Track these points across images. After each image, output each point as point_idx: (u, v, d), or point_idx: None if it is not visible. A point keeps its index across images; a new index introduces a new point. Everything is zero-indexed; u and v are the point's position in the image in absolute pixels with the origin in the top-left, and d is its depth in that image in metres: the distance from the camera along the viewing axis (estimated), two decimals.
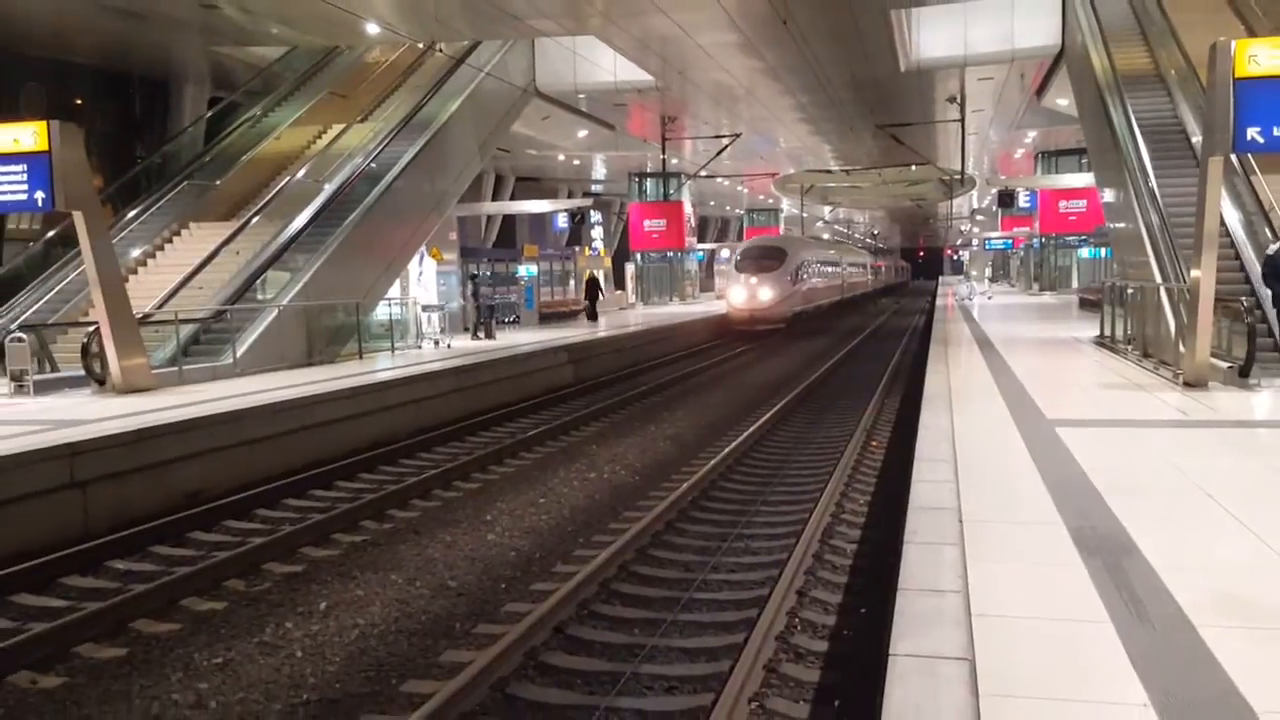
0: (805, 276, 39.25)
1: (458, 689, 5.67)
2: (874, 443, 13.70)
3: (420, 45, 25.22)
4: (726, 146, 38.61)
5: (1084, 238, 38.91)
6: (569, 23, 24.05)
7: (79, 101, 29.70)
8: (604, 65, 28.15)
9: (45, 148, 12.47)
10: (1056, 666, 4.03)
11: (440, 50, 24.90)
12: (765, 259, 37.10)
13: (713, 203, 65.55)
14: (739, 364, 25.33)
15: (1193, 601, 4.72)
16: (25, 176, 12.54)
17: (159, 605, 7.42)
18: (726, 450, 12.47)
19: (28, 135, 12.54)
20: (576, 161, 44.51)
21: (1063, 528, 6.09)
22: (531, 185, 48.36)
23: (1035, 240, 46.83)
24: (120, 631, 6.95)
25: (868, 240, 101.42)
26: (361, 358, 18.84)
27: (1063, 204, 36.13)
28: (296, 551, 8.86)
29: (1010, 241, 54.90)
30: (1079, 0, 22.98)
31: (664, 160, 40.29)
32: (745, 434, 13.60)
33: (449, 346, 21.55)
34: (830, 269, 48.29)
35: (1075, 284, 40.85)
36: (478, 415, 16.00)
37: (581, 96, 30.37)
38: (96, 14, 22.51)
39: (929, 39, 25.53)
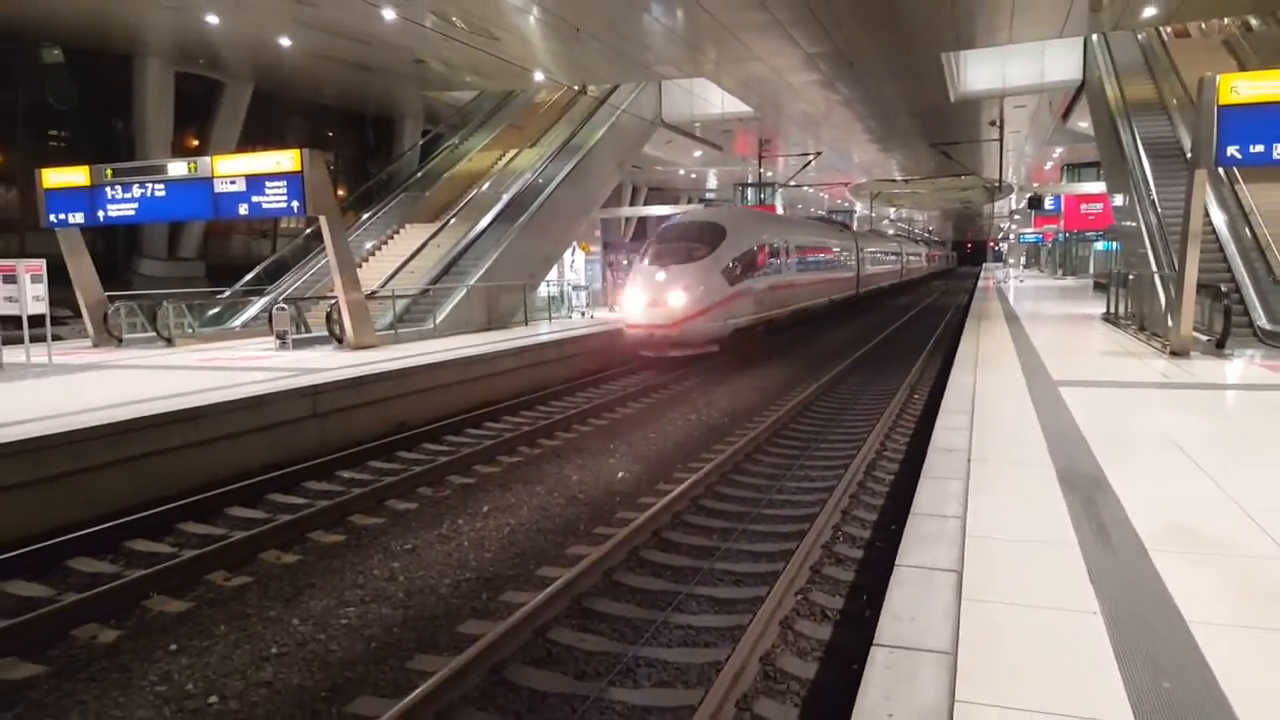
0: (759, 270, 17.69)
1: (577, 574, 5.81)
2: (916, 395, 13.26)
3: (574, 88, 25.29)
4: (810, 162, 37.63)
5: (1099, 234, 36.71)
6: (688, 68, 23.75)
7: (330, 134, 30.90)
8: (714, 100, 27.69)
9: (299, 169, 12.95)
10: (1028, 578, 3.89)
11: (588, 91, 24.96)
12: (687, 243, 16.67)
13: (799, 206, 64.08)
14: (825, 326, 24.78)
15: (1149, 531, 4.48)
16: (286, 190, 13.04)
17: (370, 505, 7.73)
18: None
19: (287, 160, 13.08)
20: (693, 175, 44.11)
21: (1051, 468, 5.83)
22: (659, 193, 48.32)
23: (1060, 235, 44.39)
24: (341, 523, 7.29)
25: (902, 226, 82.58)
26: (527, 324, 19.18)
27: (1083, 206, 33.84)
28: (471, 468, 9.06)
29: (1040, 236, 52.10)
30: (1097, 42, 21.62)
31: (760, 173, 39.51)
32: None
33: (591, 317, 21.74)
34: (824, 258, 25.05)
35: (1091, 271, 38.70)
36: (612, 368, 16.16)
37: (697, 125, 29.99)
38: (342, 69, 23.33)
39: (973, 74, 24.29)
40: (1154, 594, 3.69)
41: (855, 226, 52.43)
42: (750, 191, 47.95)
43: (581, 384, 14.49)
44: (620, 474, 8.80)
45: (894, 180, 50.54)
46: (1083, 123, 26.08)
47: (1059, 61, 23.10)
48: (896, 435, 10.32)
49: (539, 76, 23.40)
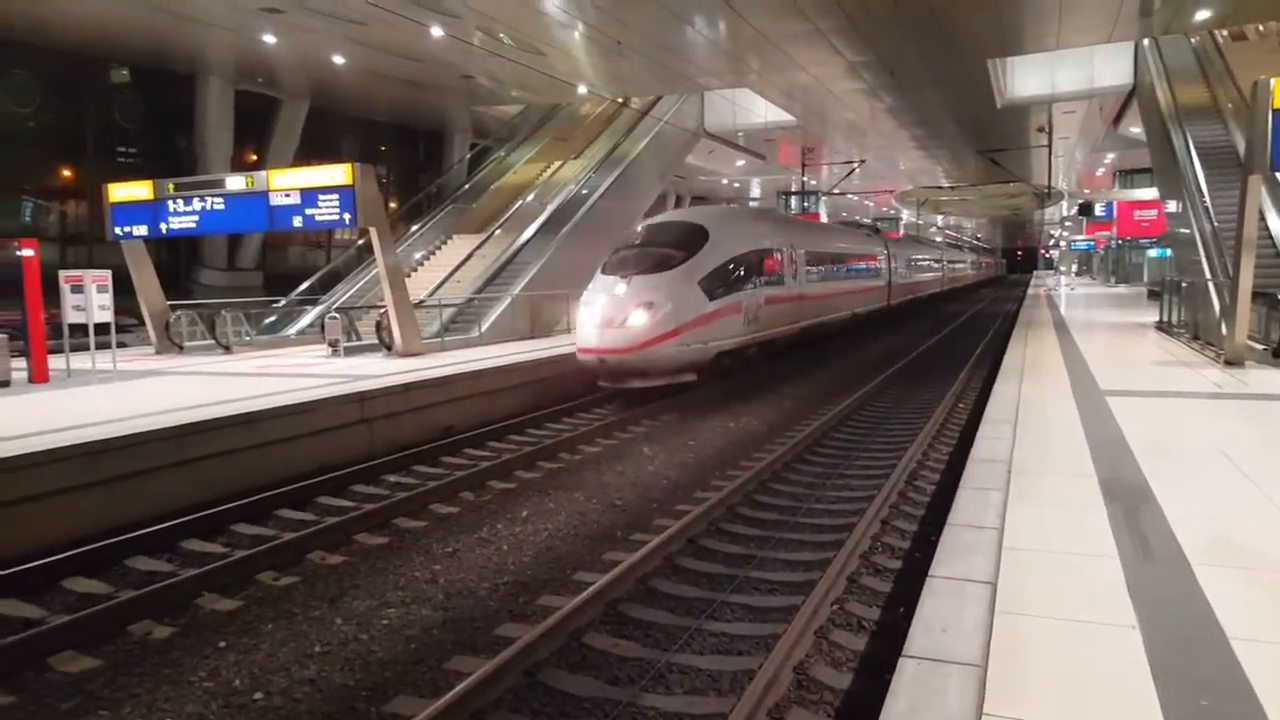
0: (753, 280, 14.61)
1: (611, 580, 5.82)
2: (961, 404, 13.03)
3: (618, 100, 25.45)
4: (854, 170, 37.32)
5: (1153, 241, 35.74)
6: (731, 78, 23.75)
7: (382, 148, 31.49)
8: (757, 110, 27.64)
9: (351, 182, 13.21)
10: (1064, 591, 3.80)
11: (631, 103, 25.10)
12: (657, 248, 13.70)
13: (844, 214, 63.54)
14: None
15: (1192, 543, 4.35)
16: (338, 203, 13.29)
17: (414, 508, 7.83)
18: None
19: (340, 174, 13.35)
20: (736, 184, 44.04)
21: (1094, 479, 5.69)
22: (702, 202, 48.24)
23: (1113, 242, 43.32)
24: (385, 526, 7.41)
25: (950, 234, 78.43)
26: (570, 332, 19.24)
27: (1136, 213, 33.00)
28: (512, 473, 9.13)
29: (1092, 243, 50.88)
30: (1148, 46, 21.06)
31: (803, 182, 39.28)
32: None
33: None
34: (844, 266, 21.69)
35: (1145, 278, 37.70)
36: None
37: (740, 134, 29.95)
38: (394, 85, 23.79)
39: (1021, 81, 23.84)
40: (1195, 609, 3.58)
41: (901, 234, 50.15)
42: (794, 200, 47.74)
43: (619, 391, 14.50)
44: (662, 481, 8.80)
45: (941, 187, 49.88)
46: (1135, 128, 25.46)
47: (1109, 66, 22.58)
48: (939, 445, 10.15)
49: (583, 89, 23.61)
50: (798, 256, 17.05)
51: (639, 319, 12.12)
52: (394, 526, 7.37)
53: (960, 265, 54.04)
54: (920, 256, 36.59)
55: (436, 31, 17.58)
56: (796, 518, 7.53)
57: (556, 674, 4.73)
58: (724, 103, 27.24)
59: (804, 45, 19.44)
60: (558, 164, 24.48)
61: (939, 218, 74.30)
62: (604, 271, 13.28)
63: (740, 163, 35.41)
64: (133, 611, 5.55)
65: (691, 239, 13.63)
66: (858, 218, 66.51)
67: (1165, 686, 2.96)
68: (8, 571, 6.15)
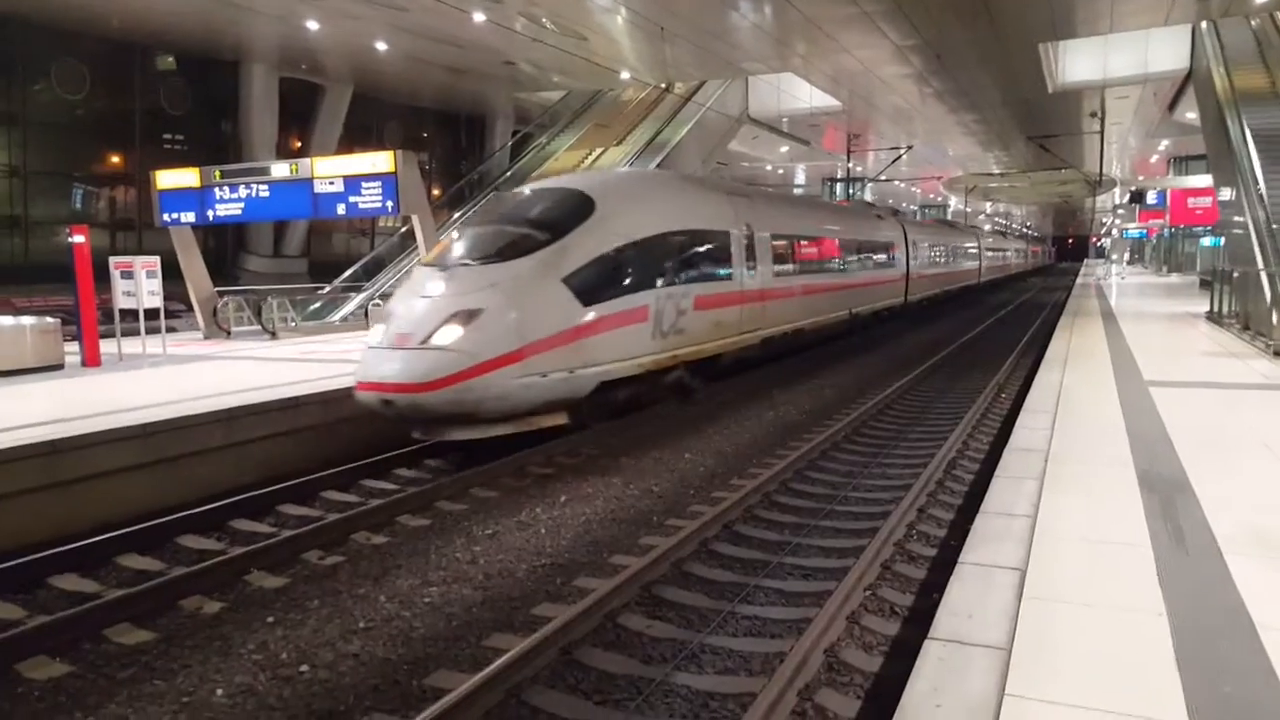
0: (672, 272, 10.45)
1: (646, 564, 5.98)
2: (1003, 394, 12.94)
3: (660, 86, 25.52)
4: (900, 156, 36.92)
5: (1207, 229, 34.85)
6: (775, 63, 23.69)
7: (425, 135, 31.93)
8: (802, 95, 27.51)
9: (393, 170, 13.48)
10: (1093, 579, 3.87)
11: (674, 88, 25.13)
12: (511, 225, 9.61)
13: (890, 200, 62.93)
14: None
15: (1227, 534, 4.38)
16: (381, 190, 13.56)
17: (455, 492, 8.02)
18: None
19: (383, 161, 13.64)
20: (780, 170, 43.81)
21: (1131, 469, 5.71)
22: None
23: (1166, 230, 42.31)
24: (427, 507, 7.64)
25: (999, 221, 74.84)
26: None
27: (1190, 201, 32.20)
28: (553, 459, 9.24)
29: (1145, 231, 49.67)
30: (1205, 29, 20.53)
31: (849, 168, 38.98)
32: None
33: None
34: (839, 255, 17.76)
35: (1198, 268, 36.78)
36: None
37: (784, 119, 29.87)
38: (436, 71, 24.13)
39: (1073, 65, 23.42)
40: (1225, 598, 3.63)
41: (937, 219, 46.15)
42: (839, 186, 47.36)
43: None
44: (700, 468, 8.92)
45: (990, 174, 49.10)
46: (1190, 114, 24.87)
47: (1164, 50, 22.08)
48: (980, 435, 10.14)
49: (625, 75, 23.71)
50: (759, 242, 13.05)
51: (450, 335, 8.10)
52: (436, 509, 7.58)
53: (1004, 254, 49.08)
54: (951, 243, 31.52)
55: (478, 17, 17.82)
56: (833, 505, 7.62)
57: (591, 651, 4.90)
58: (768, 88, 27.17)
59: (850, 28, 19.33)
60: (599, 151, 24.63)
61: (988, 205, 73.15)
62: (424, 262, 9.65)
63: (784, 148, 35.30)
64: (185, 587, 5.84)
65: (565, 214, 9.66)
66: (905, 205, 65.85)
67: (1189, 673, 3.03)
68: (68, 547, 6.50)
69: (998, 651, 3.18)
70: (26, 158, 21.65)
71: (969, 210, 62.32)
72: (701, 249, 11.42)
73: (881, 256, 21.25)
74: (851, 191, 43.59)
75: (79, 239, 12.65)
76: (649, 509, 7.57)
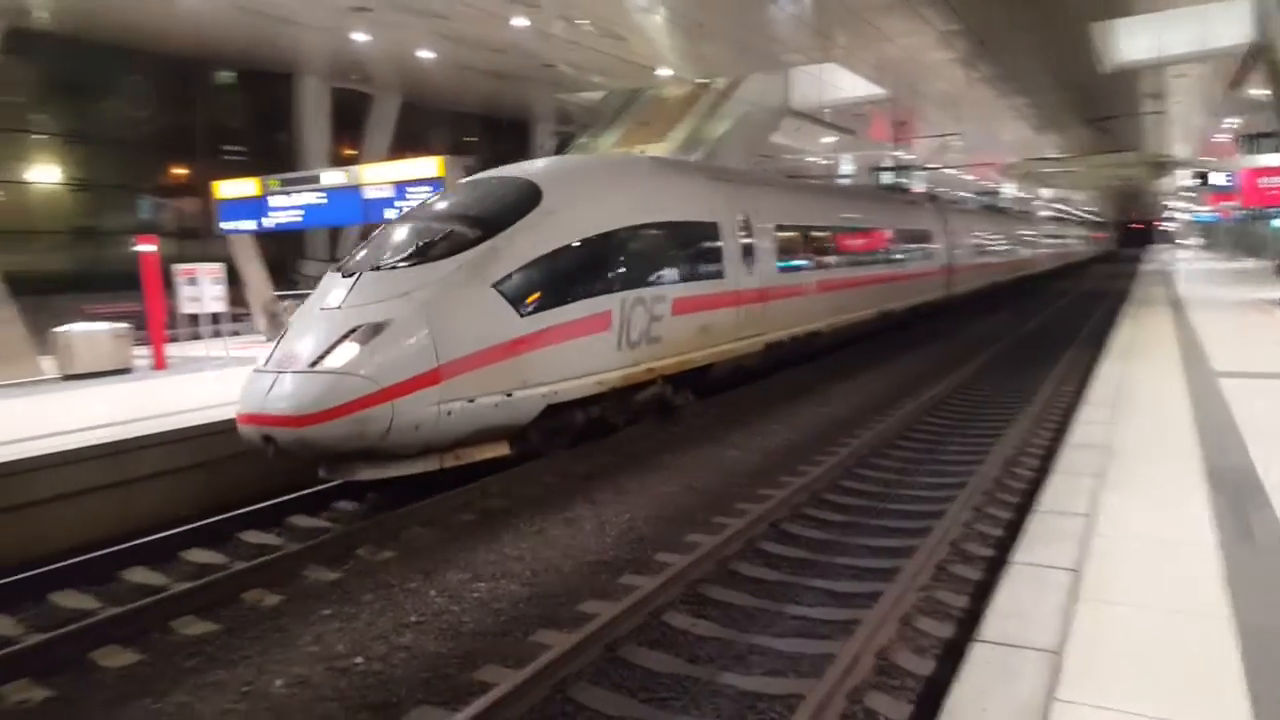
0: (641, 275, 9.20)
1: (690, 562, 5.94)
2: (1065, 387, 12.50)
3: (699, 81, 25.40)
4: (949, 143, 36.07)
5: None
6: (816, 54, 23.37)
7: (471, 139, 32.27)
8: (845, 84, 27.06)
9: (442, 175, 13.68)
10: (1154, 580, 3.72)
11: (713, 83, 25.00)
12: (439, 223, 8.26)
13: (941, 188, 61.62)
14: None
15: None
16: (429, 195, 13.83)
17: (500, 490, 7.99)
18: None
19: (430, 166, 13.85)
20: (826, 161, 43.22)
21: (1198, 464, 5.49)
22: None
23: (1236, 213, 40.64)
24: (473, 507, 7.66)
25: (1058, 207, 69.70)
26: None
27: (1261, 181, 30.86)
28: (592, 459, 9.09)
29: (1216, 215, 47.77)
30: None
31: (896, 157, 38.29)
32: None
33: None
34: (859, 245, 16.14)
35: (1273, 253, 35.28)
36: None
37: (827, 110, 29.40)
38: (479, 78, 24.35)
39: (1127, 44, 22.60)
40: None
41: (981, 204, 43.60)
42: (887, 176, 46.54)
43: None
44: (745, 465, 8.82)
45: (1046, 159, 47.76)
46: (1256, 90, 23.85)
47: (1226, 22, 21.17)
48: (1040, 430, 9.84)
49: (664, 73, 23.61)
50: (759, 234, 11.71)
51: (345, 356, 6.85)
52: (483, 507, 7.61)
53: (1062, 240, 47.06)
54: (1001, 231, 29.28)
55: (518, 22, 17.91)
56: (884, 504, 7.48)
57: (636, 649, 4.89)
58: (810, 78, 26.78)
59: (891, 15, 18.97)
60: (640, 149, 24.56)
61: (1045, 190, 71.24)
62: (336, 269, 8.25)
63: (828, 139, 34.78)
64: (246, 580, 5.98)
65: (502, 207, 8.44)
66: (958, 193, 64.35)
67: (1257, 680, 2.89)
68: (138, 542, 6.72)
69: (1048, 655, 3.08)
70: (96, 172, 22.44)
71: (1025, 196, 60.67)
72: (681, 244, 10.14)
73: (916, 247, 19.23)
74: (899, 181, 42.80)
75: (147, 248, 13.07)
76: (691, 506, 7.51)
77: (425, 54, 21.60)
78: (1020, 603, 3.54)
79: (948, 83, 26.68)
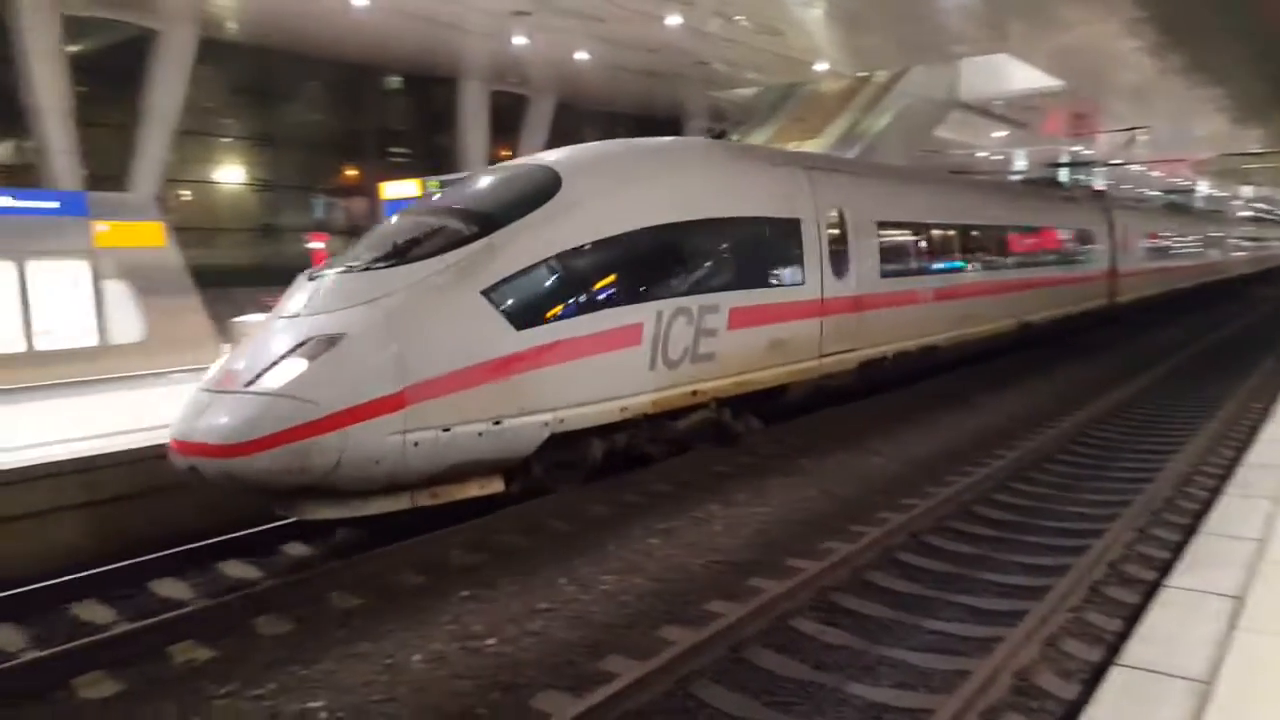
0: (688, 281, 8.06)
1: (823, 568, 5.91)
2: (1255, 403, 11.46)
3: (858, 75, 24.89)
4: (1133, 138, 33.56)
5: None
6: (986, 45, 22.44)
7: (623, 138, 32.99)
8: (1017, 76, 25.80)
9: None
10: None
11: (874, 77, 24.43)
12: (437, 218, 7.37)
13: (1124, 185, 57.39)
14: None
15: None
16: None
17: (639, 483, 8.11)
18: None
19: None
20: (998, 156, 41.25)
21: None
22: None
23: None
24: (611, 499, 7.80)
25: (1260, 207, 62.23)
26: None
27: None
28: (734, 459, 9.09)
29: None
30: None
31: (1074, 153, 36.03)
32: None
33: None
34: (992, 251, 14.28)
35: None
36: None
37: (997, 103, 28.15)
38: (632, 77, 24.93)
39: None
40: None
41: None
42: (1064, 172, 43.88)
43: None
44: (888, 473, 8.66)
45: (1247, 154, 43.58)
46: None
47: None
48: (1222, 449, 9.10)
49: (822, 67, 23.30)
50: (859, 230, 10.49)
51: (285, 375, 5.98)
52: (618, 500, 7.79)
53: (1262, 243, 42.43)
54: (1183, 231, 26.96)
55: (672, 21, 18.18)
56: (1040, 520, 7.17)
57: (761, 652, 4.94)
58: (979, 69, 25.72)
59: (1071, 3, 17.95)
60: (794, 145, 24.37)
61: (1246, 189, 65.03)
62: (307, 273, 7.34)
63: (999, 133, 33.23)
64: (396, 560, 6.42)
65: (509, 199, 7.53)
66: (1143, 190, 59.75)
67: None
68: (290, 521, 7.23)
69: (1196, 684, 2.91)
70: (276, 173, 24.61)
71: (1223, 195, 55.59)
72: (745, 245, 8.88)
73: (1071, 248, 17.30)
74: (1079, 179, 40.24)
75: (317, 245, 14.27)
76: (830, 512, 7.45)
77: (581, 55, 22.30)
78: (1171, 628, 3.35)
79: (1134, 73, 24.91)
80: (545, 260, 6.96)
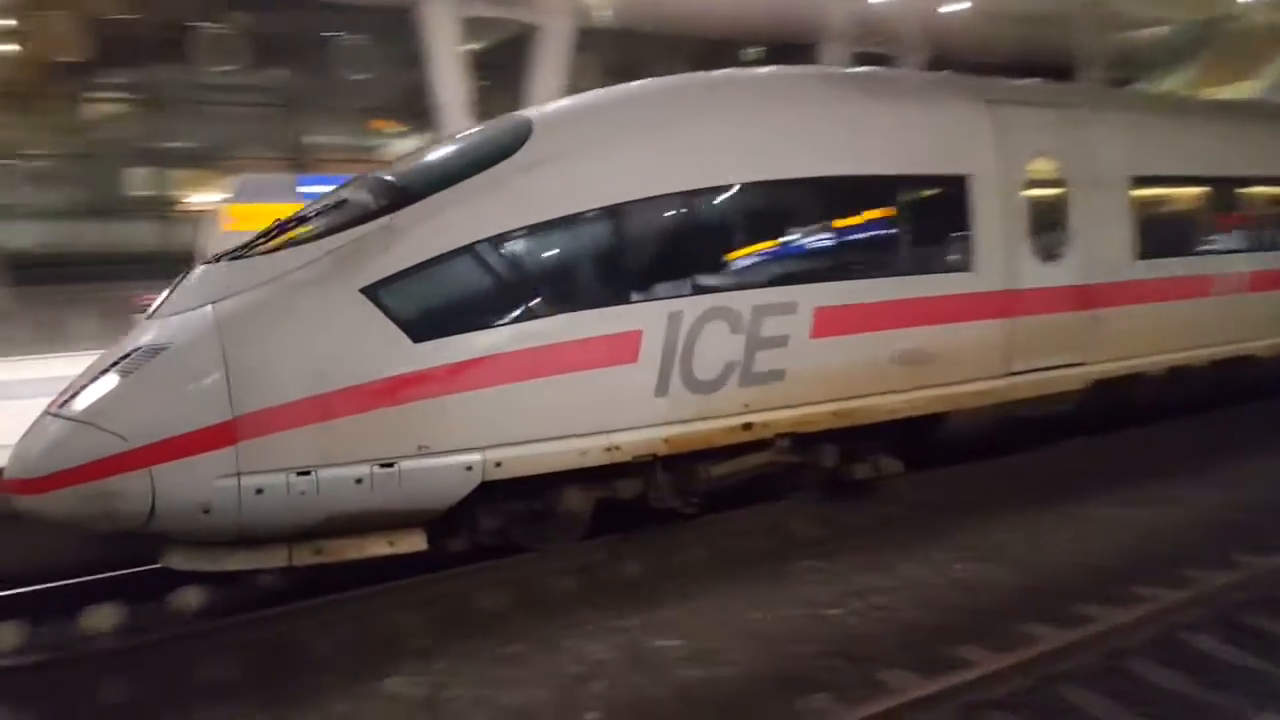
0: (744, 271, 6.17)
1: (1230, 582, 5.24)
2: None
3: None
4: None
5: None
6: None
7: None
8: None
9: None
10: None
11: None
12: (343, 192, 6.07)
13: None
14: None
15: None
16: None
17: (992, 472, 7.71)
18: None
19: None
20: None
21: None
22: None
23: None
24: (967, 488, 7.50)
25: None
26: None
27: None
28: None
29: None
30: None
31: None
32: None
33: None
34: None
35: None
36: None
37: None
38: (1011, 25, 23.48)
39: None
40: None
41: None
42: None
43: None
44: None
45: None
46: None
47: None
48: None
49: None
50: (1087, 189, 7.66)
51: (91, 396, 5.02)
52: (973, 486, 7.44)
53: None
54: None
55: None
56: None
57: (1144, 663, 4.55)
58: None
59: None
60: (1213, 92, 21.18)
61: None
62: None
63: None
64: (731, 528, 6.62)
65: (452, 160, 6.27)
66: None
67: None
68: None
69: None
70: None
71: None
72: (844, 214, 6.63)
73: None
74: None
75: None
76: (1239, 522, 6.56)
77: (956, 6, 21.34)
78: None
79: None
80: (473, 245, 5.41)
